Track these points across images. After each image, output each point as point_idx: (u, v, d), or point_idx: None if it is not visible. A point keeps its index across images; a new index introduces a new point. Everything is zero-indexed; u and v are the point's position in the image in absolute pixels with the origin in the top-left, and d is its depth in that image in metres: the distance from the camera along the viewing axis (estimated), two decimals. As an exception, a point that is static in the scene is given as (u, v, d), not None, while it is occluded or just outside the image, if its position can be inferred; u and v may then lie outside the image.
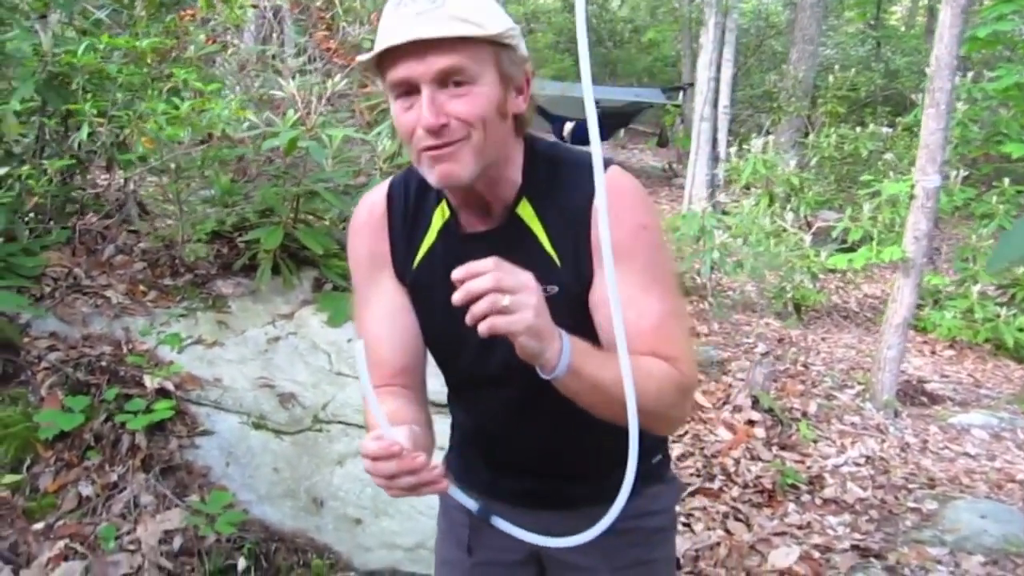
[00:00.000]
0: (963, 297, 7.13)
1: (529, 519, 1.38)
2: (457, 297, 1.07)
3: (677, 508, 1.66)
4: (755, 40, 14.97)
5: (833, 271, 7.53)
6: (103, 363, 3.01)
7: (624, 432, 1.16)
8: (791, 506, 3.68)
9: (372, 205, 1.45)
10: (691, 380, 1.32)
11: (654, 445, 1.55)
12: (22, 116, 3.29)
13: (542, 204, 1.34)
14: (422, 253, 1.40)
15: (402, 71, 1.18)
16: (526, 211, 1.34)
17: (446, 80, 1.18)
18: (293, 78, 4.03)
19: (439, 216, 1.39)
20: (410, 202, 1.41)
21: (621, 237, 1.22)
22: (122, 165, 3.47)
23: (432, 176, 1.23)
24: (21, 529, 2.58)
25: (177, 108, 3.01)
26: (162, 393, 2.94)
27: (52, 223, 3.48)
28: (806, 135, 10.13)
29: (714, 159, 9.65)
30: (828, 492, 3.85)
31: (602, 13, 16.97)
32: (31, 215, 3.39)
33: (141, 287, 3.45)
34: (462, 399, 1.57)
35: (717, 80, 9.47)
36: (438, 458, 1.34)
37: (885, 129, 9.57)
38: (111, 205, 3.75)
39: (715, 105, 9.57)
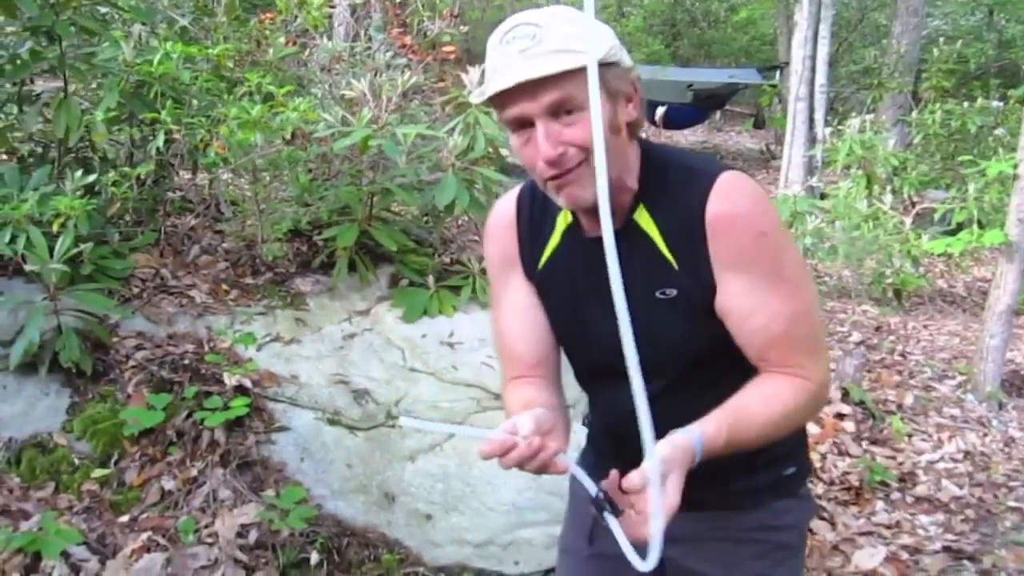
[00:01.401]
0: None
1: None
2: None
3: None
4: (856, 14, 14.38)
5: (939, 254, 7.19)
6: (186, 361, 3.12)
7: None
8: (879, 504, 3.55)
9: (504, 210, 1.56)
10: (821, 381, 1.37)
11: (786, 454, 1.53)
12: (111, 125, 3.44)
13: (658, 210, 1.38)
14: (548, 253, 1.50)
15: (515, 110, 1.26)
16: (643, 217, 1.38)
17: (558, 112, 1.24)
18: (377, 75, 4.08)
19: (562, 220, 1.48)
20: (536, 206, 1.51)
21: (740, 246, 1.30)
22: (205, 167, 3.58)
23: (560, 199, 1.33)
24: (108, 521, 2.71)
25: (249, 112, 3.08)
26: (240, 390, 3.03)
27: (142, 226, 3.63)
28: (910, 112, 9.67)
29: (811, 140, 9.32)
30: (920, 490, 3.69)
31: (697, -8, 16.61)
32: (121, 219, 3.54)
33: (224, 286, 3.56)
34: (592, 392, 1.63)
35: (813, 58, 9.14)
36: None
37: (995, 103, 9.06)
38: (197, 206, 3.88)
39: (811, 84, 9.24)
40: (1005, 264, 4.56)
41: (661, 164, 1.39)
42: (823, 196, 8.47)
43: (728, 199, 1.30)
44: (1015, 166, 4.45)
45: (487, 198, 3.89)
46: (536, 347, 1.52)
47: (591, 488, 1.31)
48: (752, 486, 1.46)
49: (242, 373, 3.05)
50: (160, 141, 3.13)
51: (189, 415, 2.93)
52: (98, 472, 2.81)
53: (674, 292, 1.35)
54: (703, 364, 1.41)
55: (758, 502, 1.49)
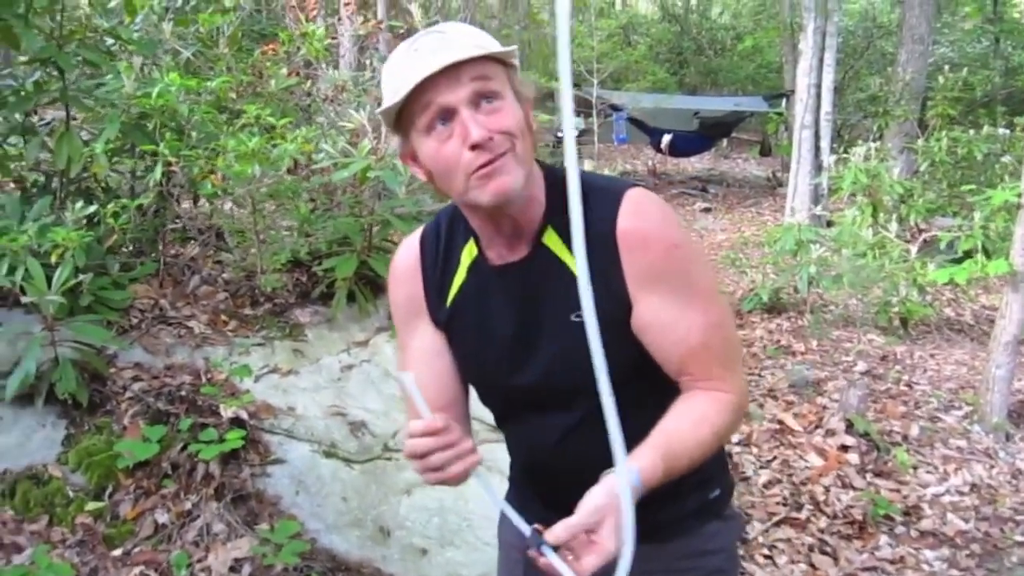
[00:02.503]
0: (1089, 309, 6.65)
1: None
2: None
3: (741, 544, 1.62)
4: (863, 42, 14.42)
5: (946, 283, 7.15)
6: (182, 393, 3.12)
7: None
8: (883, 539, 3.49)
9: (407, 253, 1.50)
10: (741, 392, 1.37)
11: (710, 476, 1.51)
12: (111, 156, 3.47)
13: (567, 231, 1.33)
14: (454, 291, 1.44)
15: (438, 99, 1.21)
16: (552, 239, 1.35)
17: (479, 99, 1.22)
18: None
19: (467, 255, 1.42)
20: (441, 244, 1.46)
21: (653, 261, 1.28)
22: (206, 198, 3.60)
23: (485, 195, 1.24)
24: (101, 555, 2.69)
25: (246, 144, 3.09)
26: (236, 422, 3.02)
27: (142, 256, 3.64)
28: (917, 140, 9.67)
29: (817, 168, 9.32)
30: (925, 524, 3.63)
31: (702, 21, 16.69)
32: (122, 249, 3.55)
33: (223, 317, 3.56)
34: (510, 429, 1.58)
35: (818, 86, 9.15)
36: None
37: (1002, 131, 9.04)
38: (197, 237, 3.90)
39: (817, 112, 9.25)
40: (1011, 294, 4.52)
41: (565, 184, 1.36)
42: (829, 224, 8.46)
43: (638, 215, 1.30)
44: (1019, 195, 4.43)
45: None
46: (442, 393, 1.46)
47: (523, 527, 1.29)
48: (680, 514, 1.44)
49: (238, 405, 3.04)
50: (158, 173, 3.14)
51: (184, 447, 2.92)
52: (92, 505, 2.79)
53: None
54: (624, 386, 1.36)
55: (685, 529, 1.47)
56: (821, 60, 9.13)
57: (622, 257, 1.30)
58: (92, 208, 3.23)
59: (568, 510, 1.53)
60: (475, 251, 1.41)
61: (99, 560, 2.67)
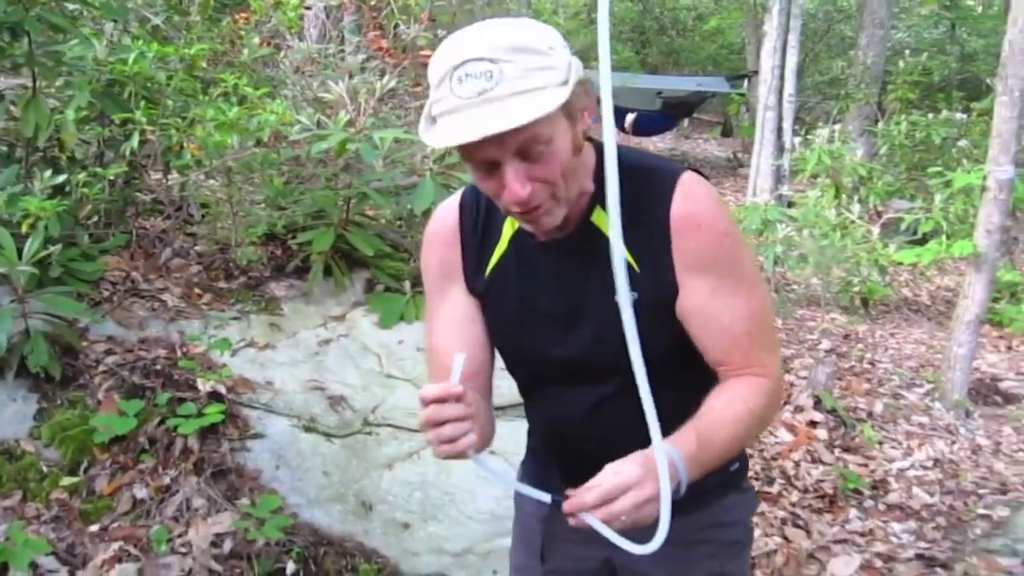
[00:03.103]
0: (1042, 290, 6.85)
1: None
2: (571, 521, 1.18)
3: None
4: (823, 25, 14.56)
5: (902, 264, 7.29)
6: (158, 367, 3.06)
7: None
8: (853, 512, 3.57)
9: (444, 216, 1.47)
10: (778, 376, 1.39)
11: None
12: (81, 124, 3.36)
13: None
14: (494, 261, 1.43)
15: (479, 154, 1.19)
16: (600, 219, 1.34)
17: (525, 153, 1.19)
18: (350, 77, 4.04)
19: (509, 225, 1.41)
20: (481, 211, 1.44)
21: (704, 246, 1.29)
22: (177, 169, 3.52)
23: (525, 226, 1.31)
24: (78, 531, 2.64)
25: (225, 114, 3.03)
26: (214, 396, 2.97)
27: (112, 227, 3.55)
28: (876, 123, 9.81)
29: (779, 149, 9.41)
30: (892, 498, 3.72)
31: (665, 1, 16.72)
32: (91, 220, 3.46)
33: (196, 290, 3.50)
34: (536, 400, 1.58)
35: (782, 68, 9.23)
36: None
37: (959, 115, 9.21)
38: (168, 208, 3.82)
39: (780, 93, 9.33)
40: (973, 274, 4.63)
41: (622, 166, 1.34)
42: (790, 204, 8.56)
43: (692, 199, 1.30)
44: (984, 178, 4.52)
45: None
46: (470, 360, 1.41)
47: (543, 497, 1.29)
48: (702, 487, 1.46)
49: (216, 379, 3.00)
50: (135, 142, 3.06)
51: (161, 422, 2.87)
52: (67, 480, 2.73)
53: (635, 295, 1.27)
54: (662, 366, 1.37)
55: (706, 502, 1.48)
56: (785, 42, 9.20)
57: (673, 241, 1.30)
58: (62, 178, 3.14)
59: (586, 476, 1.54)
60: (517, 223, 1.39)
61: (76, 536, 2.62)
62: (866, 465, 3.96)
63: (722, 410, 1.30)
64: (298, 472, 2.92)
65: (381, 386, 3.30)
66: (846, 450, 4.07)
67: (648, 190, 1.31)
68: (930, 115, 8.95)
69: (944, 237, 6.33)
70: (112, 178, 3.33)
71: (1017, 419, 4.84)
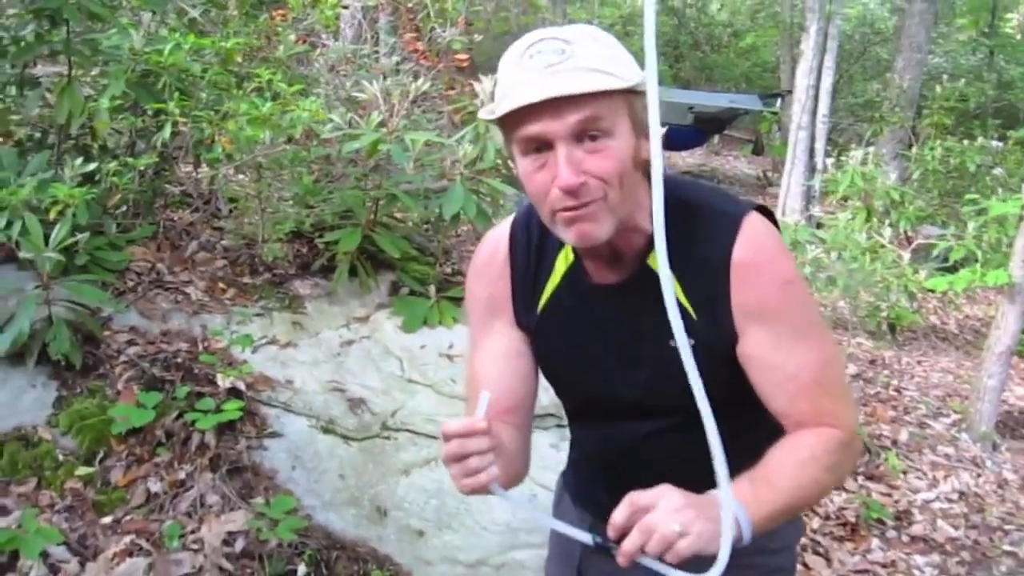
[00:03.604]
0: (1074, 324, 6.71)
1: None
2: (621, 560, 1.09)
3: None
4: (859, 47, 14.45)
5: (930, 291, 7.19)
6: (179, 360, 3.04)
7: (759, 458, 1.21)
8: (875, 542, 3.49)
9: (495, 246, 1.43)
10: (852, 429, 1.30)
11: None
12: (114, 113, 3.36)
13: (675, 254, 1.28)
14: (545, 299, 1.39)
15: (535, 128, 1.14)
16: (657, 262, 1.29)
17: (582, 135, 1.14)
18: (384, 79, 4.02)
19: (563, 261, 1.36)
20: (533, 244, 1.39)
21: (766, 296, 1.22)
22: (207, 163, 3.51)
23: (567, 236, 1.21)
24: (90, 522, 2.62)
25: (259, 109, 3.01)
26: (233, 392, 2.94)
27: (139, 218, 3.55)
28: (909, 147, 9.70)
29: (811, 169, 9.33)
30: (916, 529, 3.64)
31: (700, 17, 16.66)
32: (119, 210, 3.45)
33: (221, 284, 3.48)
34: (584, 427, 1.55)
35: (817, 88, 9.15)
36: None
37: (995, 143, 9.09)
38: (197, 201, 3.80)
39: (814, 114, 9.24)
40: (1007, 305, 4.53)
41: (677, 202, 1.27)
42: (819, 226, 8.47)
43: (755, 246, 1.23)
44: (1022, 206, 4.43)
45: (493, 209, 3.83)
46: (511, 393, 1.40)
47: (584, 538, 1.23)
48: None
49: (236, 375, 2.97)
50: (166, 133, 3.05)
51: (179, 416, 2.84)
52: (82, 470, 2.71)
53: (691, 342, 1.24)
54: (720, 407, 1.36)
55: None
56: (821, 62, 9.12)
57: (732, 287, 1.24)
58: (92, 166, 3.13)
59: None
60: (571, 257, 1.35)
61: (88, 527, 2.59)
62: (890, 495, 3.88)
63: (782, 458, 1.23)
64: (314, 474, 2.88)
65: (402, 390, 3.26)
66: (869, 478, 3.99)
67: (708, 231, 1.26)
68: (965, 142, 8.84)
69: (977, 265, 6.23)
70: (142, 169, 3.32)
71: (1046, 455, 4.74)
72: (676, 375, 1.32)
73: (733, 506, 1.12)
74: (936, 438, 4.65)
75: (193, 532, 2.61)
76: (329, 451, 2.96)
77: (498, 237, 1.43)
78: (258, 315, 3.35)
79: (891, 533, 3.59)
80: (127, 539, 2.55)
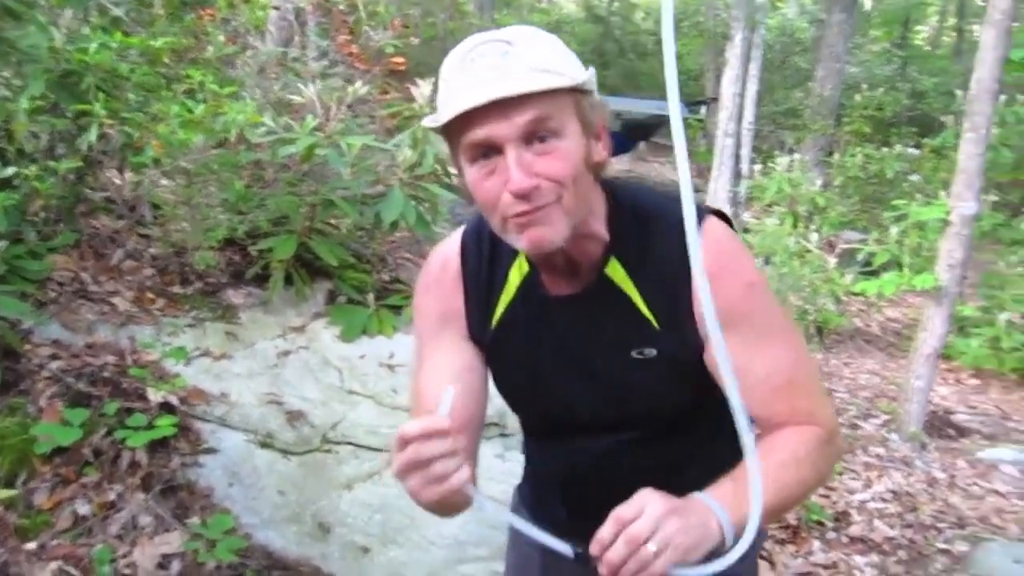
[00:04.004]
0: (989, 325, 6.96)
1: None
2: (606, 572, 1.03)
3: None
4: (779, 56, 14.80)
5: (857, 295, 7.38)
6: (106, 374, 2.89)
7: (721, 467, 1.16)
8: (816, 544, 3.53)
9: (445, 259, 1.37)
10: (832, 426, 1.28)
11: None
12: (33, 115, 3.19)
13: (633, 264, 1.25)
14: (500, 312, 1.33)
15: (482, 132, 1.09)
16: (616, 272, 1.25)
17: (531, 137, 1.09)
18: (314, 82, 3.92)
19: (516, 273, 1.31)
20: (485, 256, 1.34)
21: (733, 301, 1.17)
22: (134, 167, 3.36)
23: (521, 243, 1.15)
24: (13, 548, 2.46)
25: (191, 111, 2.89)
26: (165, 408, 2.82)
27: (61, 225, 3.37)
28: (830, 154, 9.96)
29: (736, 176, 9.50)
30: (855, 530, 3.69)
31: (626, 25, 16.85)
32: (39, 216, 3.28)
33: (149, 294, 3.33)
34: (542, 442, 1.50)
35: (742, 96, 9.32)
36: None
37: (912, 150, 9.39)
38: (122, 208, 3.64)
39: (739, 121, 9.42)
40: (934, 308, 4.65)
41: (633, 209, 1.26)
42: (746, 231, 8.63)
43: (715, 251, 1.18)
44: (947, 212, 4.56)
45: (432, 216, 3.77)
46: (462, 410, 1.30)
47: (565, 550, 1.16)
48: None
49: (169, 389, 2.84)
50: (93, 136, 2.90)
51: (108, 433, 2.70)
52: (4, 493, 2.54)
53: (653, 352, 1.25)
54: (674, 419, 1.33)
55: None
56: (746, 70, 9.30)
57: (695, 294, 1.20)
58: (10, 170, 2.96)
59: (592, 513, 1.46)
60: (526, 268, 1.29)
61: (11, 554, 2.43)
62: (828, 496, 3.93)
63: (762, 459, 1.16)
64: (252, 491, 2.77)
65: (342, 402, 3.17)
66: (807, 480, 4.04)
67: (666, 238, 1.22)
68: (884, 149, 9.11)
69: (899, 269, 6.42)
70: (63, 173, 3.16)
71: (970, 453, 4.88)
72: (636, 386, 1.29)
73: (715, 510, 1.08)
74: (867, 439, 4.74)
75: (125, 556, 2.48)
76: (268, 466, 2.85)
77: (448, 250, 1.38)
78: (190, 326, 3.21)
79: (831, 534, 3.64)
80: (54, 565, 2.40)
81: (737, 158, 9.57)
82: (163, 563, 2.48)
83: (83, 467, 2.65)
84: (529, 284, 1.30)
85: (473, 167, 1.13)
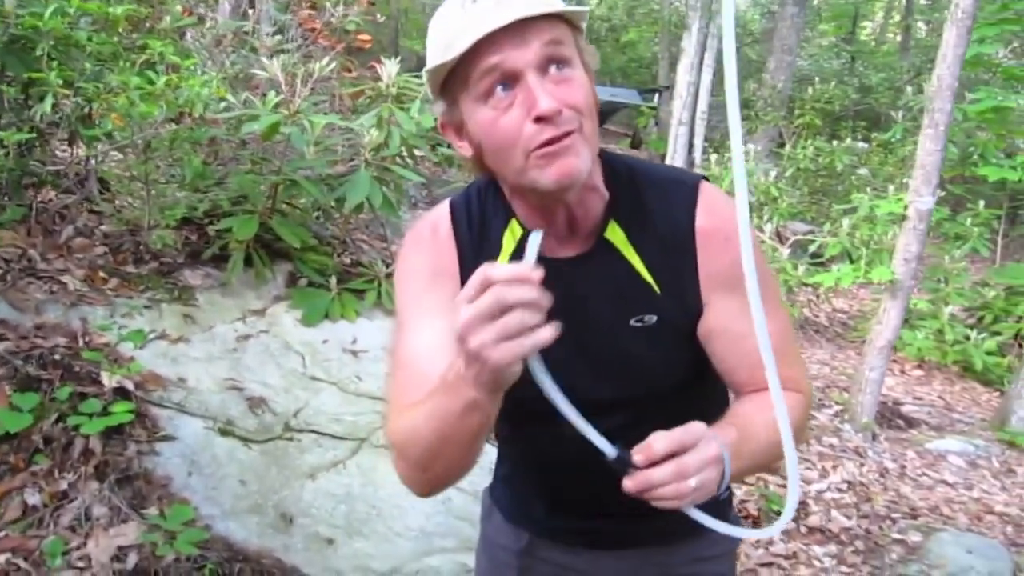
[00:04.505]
0: (934, 318, 7.11)
1: (583, 560, 1.38)
2: (630, 485, 1.00)
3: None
4: (731, 46, 14.91)
5: (807, 285, 7.48)
6: (56, 356, 2.76)
7: None
8: (776, 535, 3.55)
9: (435, 222, 1.29)
10: (810, 392, 1.30)
11: None
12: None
13: (633, 227, 1.20)
14: None
15: (497, 58, 1.03)
16: (616, 235, 1.20)
17: (547, 65, 1.05)
18: (271, 57, 3.79)
19: (510, 237, 1.24)
20: (475, 220, 1.27)
21: (735, 264, 1.09)
22: (86, 140, 3.20)
23: (548, 176, 1.07)
24: (-43, 540, 2.33)
25: (152, 83, 2.75)
26: (120, 393, 2.69)
27: (7, 199, 3.21)
28: (780, 145, 10.07)
29: (690, 164, 9.55)
30: (813, 520, 3.73)
31: (579, 10, 16.78)
32: (-17, 189, 3.12)
33: (101, 274, 3.19)
34: (524, 433, 1.40)
35: (697, 85, 9.36)
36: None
37: (861, 144, 9.55)
38: (72, 182, 3.48)
39: (693, 110, 9.46)
40: (889, 301, 4.72)
41: (629, 175, 1.22)
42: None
43: (717, 211, 1.17)
44: (905, 207, 4.62)
45: (397, 198, 3.68)
46: None
47: (609, 450, 1.06)
48: (689, 518, 1.37)
49: (124, 374, 2.72)
50: (47, 106, 2.75)
51: (60, 419, 2.58)
52: (-53, 482, 2.42)
53: (654, 319, 1.20)
54: (672, 390, 1.28)
55: (692, 531, 1.37)
56: (702, 60, 9.33)
57: (699, 256, 1.17)
58: (-45, 141, 2.80)
59: (573, 510, 1.41)
60: (519, 231, 1.23)
61: (-45, 545, 2.31)
62: (786, 486, 3.95)
63: (754, 415, 1.15)
64: (212, 480, 2.67)
65: (304, 388, 3.08)
66: (766, 470, 4.07)
67: (665, 201, 1.19)
68: (835, 142, 9.25)
69: (849, 261, 6.53)
70: (6, 144, 3.00)
71: (919, 443, 4.98)
72: (635, 359, 1.24)
73: (725, 461, 1.05)
74: (821, 429, 4.80)
75: (79, 548, 2.37)
76: (228, 455, 2.75)
77: (436, 215, 1.30)
78: (145, 307, 3.08)
79: (790, 525, 3.66)
80: (1, 558, 2.28)
81: (690, 147, 9.63)
82: (119, 556, 2.38)
83: (33, 455, 2.52)
84: (523, 248, 1.24)
85: (486, 106, 1.07)
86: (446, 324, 1.22)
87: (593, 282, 1.21)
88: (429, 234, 1.29)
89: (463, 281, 1.25)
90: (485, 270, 0.91)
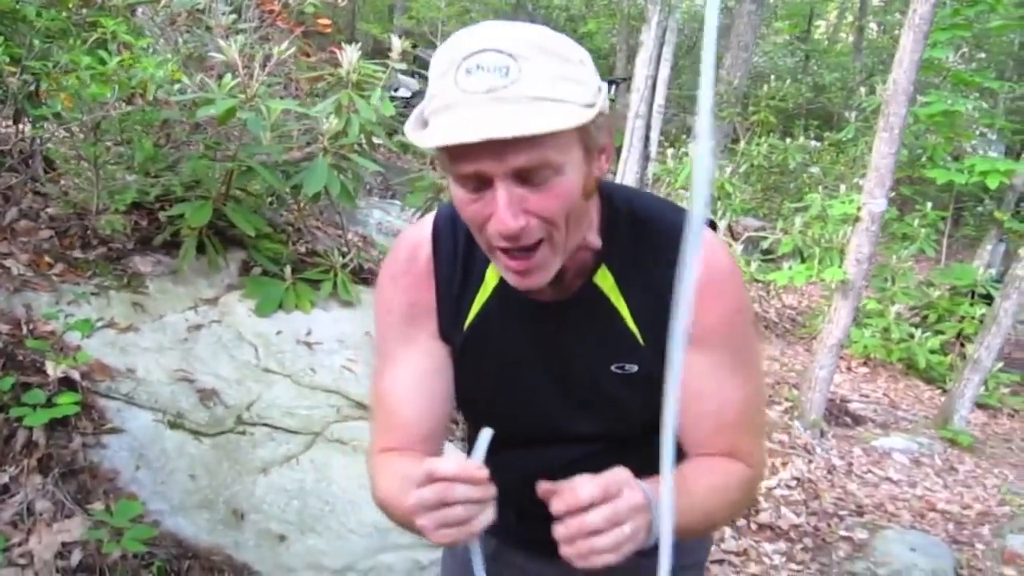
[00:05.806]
0: (880, 316, 7.26)
1: (552, 569, 1.31)
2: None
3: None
4: (688, 41, 15.00)
5: (758, 281, 7.57)
6: (-1, 344, 2.66)
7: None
8: (728, 531, 3.59)
9: (415, 249, 1.25)
10: (761, 471, 1.26)
11: None
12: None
13: (625, 274, 1.17)
14: (474, 312, 1.23)
15: (471, 167, 0.97)
16: (606, 281, 1.17)
17: (526, 175, 0.98)
18: (227, 38, 3.69)
19: (493, 273, 1.21)
20: (459, 248, 1.22)
21: (714, 324, 1.12)
22: (32, 120, 3.09)
23: (509, 277, 1.07)
24: None
25: (104, 63, 2.66)
26: (66, 383, 2.60)
27: (-54, 178, 3.09)
28: (735, 141, 10.16)
29: (645, 158, 9.59)
30: (763, 517, 3.77)
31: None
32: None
33: (47, 258, 3.08)
34: (500, 456, 1.39)
35: (655, 78, 9.38)
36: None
37: (813, 143, 9.68)
38: (16, 161, 3.35)
39: (651, 103, 9.48)
40: (840, 300, 4.79)
41: (634, 219, 1.18)
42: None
43: (711, 268, 1.11)
44: (858, 208, 4.68)
45: (355, 187, 3.62)
46: (430, 419, 1.25)
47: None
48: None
49: (70, 364, 2.63)
50: (-8, 84, 2.64)
51: (2, 410, 2.48)
52: None
53: (635, 368, 1.19)
54: (638, 435, 1.28)
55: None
56: (660, 53, 9.35)
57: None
58: None
59: (541, 520, 1.39)
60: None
61: None
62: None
63: (697, 477, 1.12)
64: (161, 474, 2.60)
65: (257, 380, 3.01)
66: (717, 467, 4.10)
67: (661, 249, 1.14)
68: (788, 140, 9.36)
69: (800, 258, 6.62)
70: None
71: (865, 441, 5.07)
72: (614, 401, 1.23)
73: (651, 501, 1.02)
74: (772, 426, 4.86)
75: (20, 544, 2.29)
76: (178, 448, 2.68)
77: (417, 238, 1.26)
78: (92, 294, 2.99)
79: (741, 522, 3.70)
80: (-62, 555, 2.20)
81: (647, 140, 9.65)
82: (63, 552, 2.30)
83: (-28, 447, 2.43)
84: (507, 286, 1.18)
85: (460, 188, 1.03)
86: (421, 359, 1.25)
87: (578, 325, 1.19)
88: (407, 262, 1.25)
89: (440, 316, 1.25)
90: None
